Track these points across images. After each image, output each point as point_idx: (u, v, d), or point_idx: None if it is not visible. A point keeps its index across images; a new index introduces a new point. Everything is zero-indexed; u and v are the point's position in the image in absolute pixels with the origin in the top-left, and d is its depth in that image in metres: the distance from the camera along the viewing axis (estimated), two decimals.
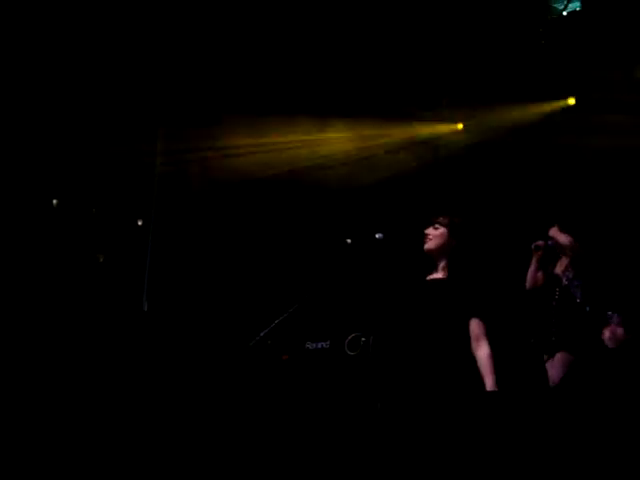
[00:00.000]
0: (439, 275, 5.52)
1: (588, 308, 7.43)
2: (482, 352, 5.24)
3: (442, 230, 5.53)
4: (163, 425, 7.94)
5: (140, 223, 10.63)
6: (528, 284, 7.79)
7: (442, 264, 5.52)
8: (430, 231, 5.56)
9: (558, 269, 7.63)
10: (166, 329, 9.34)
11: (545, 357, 7.45)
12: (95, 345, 8.90)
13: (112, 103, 10.14)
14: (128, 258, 10.40)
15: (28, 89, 9.65)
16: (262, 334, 5.29)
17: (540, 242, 7.71)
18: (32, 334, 8.88)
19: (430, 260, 5.58)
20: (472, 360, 5.20)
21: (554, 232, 7.65)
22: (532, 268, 7.76)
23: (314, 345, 8.12)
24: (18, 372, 8.42)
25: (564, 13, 9.24)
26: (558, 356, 7.36)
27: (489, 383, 5.17)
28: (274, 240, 10.22)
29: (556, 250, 7.68)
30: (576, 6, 9.18)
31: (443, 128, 10.45)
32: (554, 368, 7.36)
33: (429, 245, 5.52)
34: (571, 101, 9.79)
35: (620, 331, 7.29)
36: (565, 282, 7.52)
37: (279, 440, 7.23)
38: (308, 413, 7.37)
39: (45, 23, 9.30)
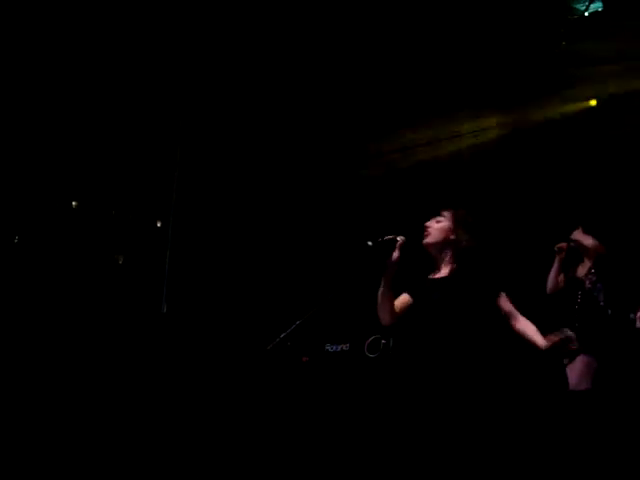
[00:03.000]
0: (445, 272, 5.34)
1: (610, 311, 7.38)
2: (521, 322, 5.20)
3: (444, 224, 5.37)
4: (183, 426, 7.94)
5: (159, 224, 10.63)
6: (549, 286, 7.75)
7: (444, 260, 5.34)
8: (431, 224, 5.38)
9: (580, 272, 7.58)
10: (185, 331, 9.34)
11: (566, 361, 7.41)
12: (114, 346, 8.91)
13: (133, 107, 10.16)
14: (147, 260, 10.40)
15: (48, 90, 9.67)
16: (282, 336, 5.26)
17: (563, 244, 7.67)
18: (52, 335, 8.90)
19: (430, 256, 5.39)
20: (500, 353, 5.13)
21: (577, 234, 7.61)
22: (554, 270, 7.72)
23: (334, 347, 8.10)
24: (37, 372, 8.44)
25: (586, 14, 9.18)
26: (579, 359, 7.31)
27: (540, 342, 5.11)
28: (289, 242, 10.21)
29: (579, 253, 7.63)
30: (598, 7, 9.12)
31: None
32: (575, 372, 7.31)
33: (428, 239, 5.33)
34: (593, 102, 9.73)
35: None
36: (588, 285, 7.47)
37: (298, 442, 7.22)
38: (327, 415, 7.36)
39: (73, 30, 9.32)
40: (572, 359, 7.33)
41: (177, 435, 7.87)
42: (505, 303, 5.25)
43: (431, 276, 5.41)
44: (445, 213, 5.39)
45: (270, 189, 10.44)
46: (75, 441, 7.78)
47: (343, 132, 10.36)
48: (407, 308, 5.39)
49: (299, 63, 9.87)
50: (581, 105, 9.77)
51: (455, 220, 5.36)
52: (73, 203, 10.31)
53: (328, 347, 8.16)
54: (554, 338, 5.20)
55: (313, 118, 10.35)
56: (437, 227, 5.36)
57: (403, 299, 5.42)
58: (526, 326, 5.23)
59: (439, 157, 10.11)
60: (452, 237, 5.33)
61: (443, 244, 5.34)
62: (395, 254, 5.22)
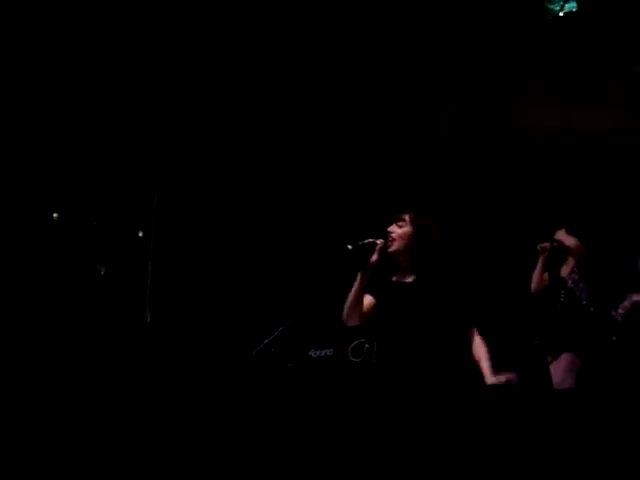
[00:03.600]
0: (410, 277, 5.32)
1: (592, 309, 7.42)
2: (475, 347, 5.19)
3: (406, 229, 5.31)
4: (165, 436, 7.91)
5: (141, 234, 10.61)
6: (534, 286, 7.79)
7: (409, 264, 5.32)
8: (393, 229, 5.32)
9: (564, 272, 7.63)
10: (169, 340, 9.32)
11: (549, 359, 7.44)
12: (97, 357, 8.88)
13: (114, 117, 10.13)
14: (129, 270, 10.38)
15: (29, 99, 9.64)
16: (266, 342, 5.26)
17: (546, 244, 7.70)
18: (32, 346, 8.86)
19: (395, 261, 5.36)
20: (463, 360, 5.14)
21: (561, 235, 7.65)
22: (537, 270, 7.75)
23: (317, 352, 8.09)
24: (19, 385, 8.41)
25: (560, 14, 9.21)
26: (563, 358, 7.35)
27: (486, 375, 5.10)
28: (269, 249, 10.20)
29: (562, 252, 7.67)
30: (572, 7, 9.15)
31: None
32: (559, 370, 7.35)
33: (393, 247, 5.27)
34: None
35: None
36: (571, 285, 7.51)
37: (284, 447, 7.20)
38: (313, 421, 7.34)
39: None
40: (556, 357, 7.37)
41: (162, 444, 7.85)
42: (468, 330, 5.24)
43: (396, 279, 5.38)
44: (406, 217, 5.34)
45: (250, 197, 10.43)
46: (59, 453, 7.74)
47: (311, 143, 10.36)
48: (372, 310, 5.37)
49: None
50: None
51: (417, 224, 5.30)
52: (54, 215, 10.28)
53: (312, 352, 8.15)
54: (501, 378, 5.17)
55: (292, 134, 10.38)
56: (400, 233, 5.30)
57: (368, 301, 5.39)
58: (479, 352, 5.20)
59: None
60: (415, 241, 5.28)
61: (406, 249, 5.30)
62: (374, 257, 5.22)
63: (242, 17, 9.61)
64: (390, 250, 5.29)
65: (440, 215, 5.43)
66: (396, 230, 5.31)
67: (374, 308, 5.37)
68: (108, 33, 9.48)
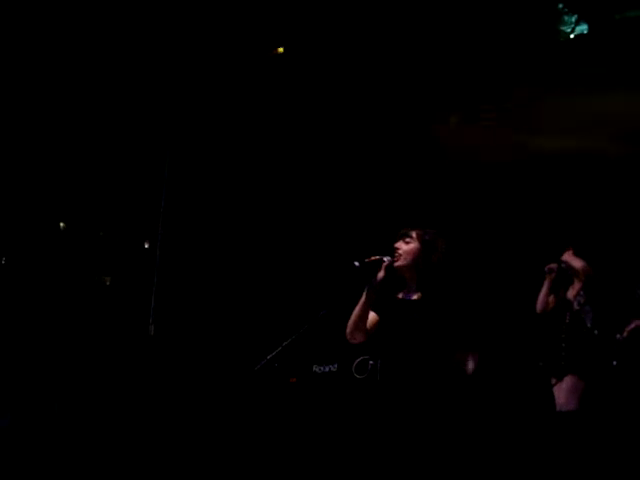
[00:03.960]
0: (415, 294, 5.27)
1: (597, 332, 7.41)
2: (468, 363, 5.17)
3: (412, 245, 5.26)
4: (168, 448, 7.90)
5: (147, 245, 10.62)
6: (539, 307, 7.78)
7: (414, 280, 5.27)
8: (400, 245, 5.27)
9: (570, 293, 7.62)
10: (173, 353, 9.31)
11: (553, 381, 7.42)
12: (101, 368, 8.88)
13: (122, 129, 10.16)
14: (135, 281, 10.38)
15: (37, 108, 9.67)
16: (269, 357, 5.25)
17: (553, 265, 7.69)
18: (37, 354, 8.87)
19: (401, 277, 5.30)
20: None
21: (568, 256, 7.65)
22: (544, 291, 7.75)
23: (322, 368, 8.08)
24: (23, 394, 8.40)
25: (571, 36, 9.25)
26: (566, 380, 7.33)
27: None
28: (276, 263, 10.20)
29: (568, 274, 7.66)
30: (583, 29, 9.19)
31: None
32: (562, 392, 7.34)
33: (400, 263, 5.21)
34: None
35: None
36: (576, 307, 7.51)
37: (287, 463, 7.19)
38: (316, 436, 7.34)
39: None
40: (560, 379, 7.35)
41: (165, 457, 7.84)
42: (464, 353, 5.21)
43: (401, 296, 5.38)
44: (413, 233, 5.30)
45: (257, 211, 10.44)
46: (63, 461, 7.74)
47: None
48: (375, 327, 5.36)
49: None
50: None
51: (423, 241, 5.26)
52: (61, 224, 10.30)
53: (316, 368, 8.14)
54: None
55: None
56: (406, 249, 5.26)
57: (371, 317, 5.38)
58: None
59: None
60: (422, 258, 5.25)
61: (413, 265, 5.26)
62: (380, 274, 5.21)
63: (243, 26, 9.63)
64: (396, 265, 5.25)
65: (447, 232, 5.42)
66: (403, 246, 5.27)
67: (377, 325, 5.37)
68: (114, 48, 9.50)
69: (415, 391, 5.09)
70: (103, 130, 10.07)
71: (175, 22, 9.47)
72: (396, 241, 5.29)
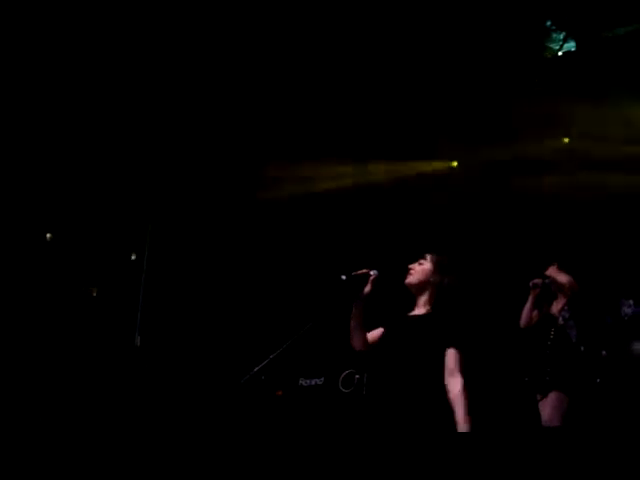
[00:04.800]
0: (421, 311, 5.47)
1: (582, 348, 7.42)
2: (455, 386, 5.18)
3: (426, 266, 5.51)
4: (153, 461, 7.88)
5: (134, 257, 10.62)
6: (523, 322, 7.78)
7: (423, 300, 5.47)
8: (414, 266, 5.55)
9: (554, 308, 7.63)
10: (158, 364, 9.31)
11: (538, 396, 7.43)
12: (87, 379, 8.86)
13: (110, 141, 10.17)
14: (121, 292, 10.37)
15: (29, 119, 9.67)
16: (256, 370, 5.26)
17: (538, 280, 7.71)
18: (24, 366, 8.85)
19: (410, 295, 5.54)
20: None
21: (552, 271, 7.66)
22: (528, 306, 7.76)
23: (308, 382, 8.09)
24: (13, 405, 8.38)
25: (559, 53, 9.31)
26: (551, 396, 7.33)
27: (460, 416, 5.11)
28: (262, 276, 10.21)
29: (552, 289, 7.68)
30: (571, 46, 9.25)
31: (438, 165, 10.48)
32: (547, 407, 7.33)
33: (410, 279, 5.49)
34: (565, 140, 9.84)
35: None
36: (561, 322, 7.52)
37: (273, 476, 7.18)
38: (301, 450, 7.33)
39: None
40: (544, 395, 7.36)
41: (151, 468, 7.81)
42: (453, 358, 5.26)
43: (409, 313, 5.52)
44: (428, 256, 5.56)
45: (244, 223, 10.46)
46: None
47: None
48: (379, 339, 5.48)
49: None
50: (555, 143, 9.88)
51: (436, 264, 5.51)
52: (47, 235, 10.29)
53: (302, 381, 8.15)
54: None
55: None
56: (419, 269, 5.52)
57: (378, 332, 5.54)
58: (455, 392, 5.21)
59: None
60: (432, 279, 5.48)
61: (423, 285, 5.49)
62: (367, 288, 5.32)
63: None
64: (406, 281, 5.51)
65: (461, 257, 5.64)
66: (416, 267, 5.55)
67: (380, 338, 5.50)
68: (110, 60, 9.53)
69: (400, 405, 5.12)
70: (92, 143, 10.08)
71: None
72: (412, 263, 5.57)
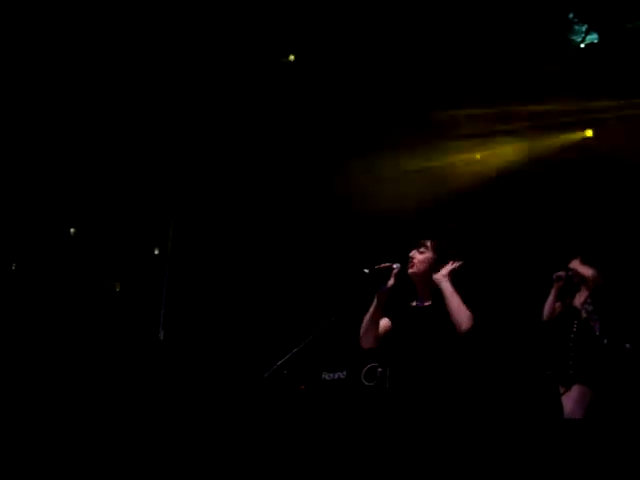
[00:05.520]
0: (424, 302, 5.37)
1: (606, 341, 7.40)
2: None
3: (427, 254, 5.36)
4: (181, 454, 7.92)
5: (157, 252, 10.66)
6: (545, 315, 7.75)
7: (426, 290, 5.35)
8: (414, 254, 5.37)
9: (577, 301, 7.60)
10: (182, 358, 9.33)
11: (562, 389, 7.41)
12: (112, 374, 8.90)
13: (133, 137, 10.20)
14: (144, 287, 10.41)
15: (50, 118, 9.72)
16: (279, 364, 5.26)
17: (561, 273, 7.68)
18: (48, 361, 8.89)
19: (413, 285, 5.40)
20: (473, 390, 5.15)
21: (576, 264, 7.63)
22: (551, 299, 7.72)
23: (331, 375, 8.09)
24: (33, 401, 8.43)
25: (582, 45, 9.27)
26: (575, 389, 7.31)
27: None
28: (285, 270, 10.22)
29: (575, 282, 7.65)
30: (594, 39, 9.21)
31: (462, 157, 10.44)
32: (570, 401, 7.32)
33: (413, 270, 5.32)
34: (588, 133, 9.80)
35: None
36: (584, 315, 7.50)
37: (296, 470, 7.20)
38: (325, 444, 7.34)
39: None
40: (568, 388, 7.34)
41: (175, 461, 7.85)
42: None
43: (413, 304, 5.44)
44: (427, 243, 5.39)
45: (268, 218, 10.46)
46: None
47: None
48: (387, 333, 5.42)
49: None
50: (578, 135, 9.85)
51: (437, 250, 5.36)
52: (71, 230, 10.34)
53: (325, 375, 8.14)
54: None
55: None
56: (420, 258, 5.36)
57: (384, 324, 5.46)
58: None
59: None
60: (435, 267, 5.33)
61: (426, 274, 5.34)
62: (390, 281, 5.27)
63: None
64: (409, 272, 5.35)
65: (461, 242, 5.48)
66: (417, 256, 5.36)
67: (389, 332, 5.42)
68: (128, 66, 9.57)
69: (423, 398, 5.11)
70: (116, 139, 10.11)
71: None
72: (411, 250, 5.37)
